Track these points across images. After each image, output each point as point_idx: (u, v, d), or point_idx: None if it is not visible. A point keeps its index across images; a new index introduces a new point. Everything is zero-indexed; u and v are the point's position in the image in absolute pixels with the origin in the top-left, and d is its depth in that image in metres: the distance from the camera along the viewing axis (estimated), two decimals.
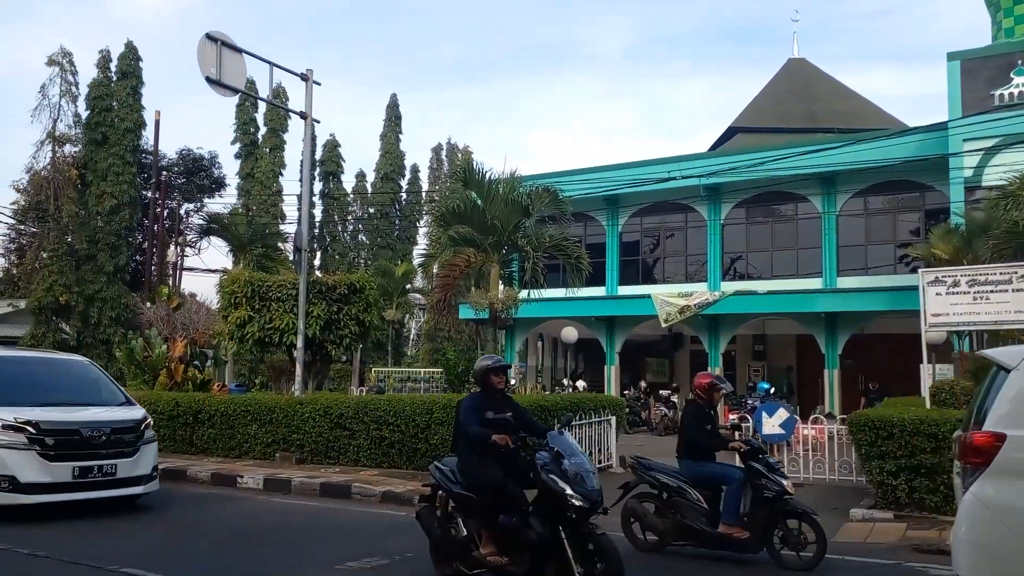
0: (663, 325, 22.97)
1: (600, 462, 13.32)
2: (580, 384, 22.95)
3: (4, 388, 9.35)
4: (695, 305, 22.32)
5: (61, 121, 29.17)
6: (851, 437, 10.30)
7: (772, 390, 19.54)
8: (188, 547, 8.06)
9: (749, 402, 18.48)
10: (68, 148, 29.62)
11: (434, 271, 18.96)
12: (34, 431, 8.72)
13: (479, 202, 15.98)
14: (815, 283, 22.41)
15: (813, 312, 21.85)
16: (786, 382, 24.78)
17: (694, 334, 25.01)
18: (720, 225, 24.03)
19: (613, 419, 13.89)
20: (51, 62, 29.14)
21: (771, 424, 12.18)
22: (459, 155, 40.83)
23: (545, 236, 16.34)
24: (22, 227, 33.22)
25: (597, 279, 23.60)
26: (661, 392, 22.75)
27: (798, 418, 13.32)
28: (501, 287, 16.40)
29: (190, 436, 14.47)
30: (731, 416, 17.91)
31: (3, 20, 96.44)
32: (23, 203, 31.59)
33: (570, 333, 23.13)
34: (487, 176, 16.21)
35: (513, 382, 19.94)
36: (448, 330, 27.67)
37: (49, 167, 29.02)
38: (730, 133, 30.25)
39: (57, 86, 29.10)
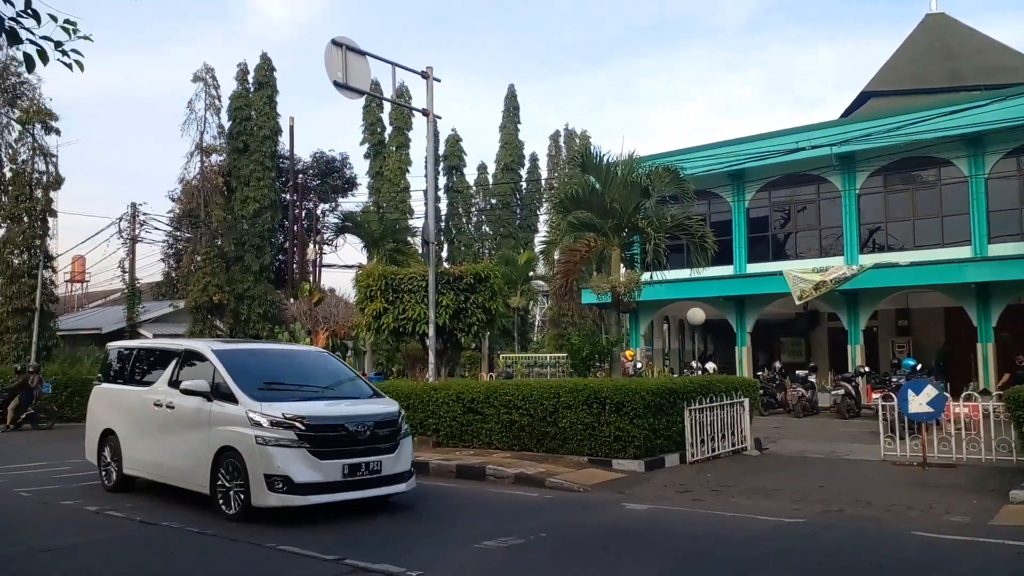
0: (797, 303, 22.09)
1: (733, 444, 13.10)
2: (710, 366, 22.50)
3: (259, 382, 8.85)
4: (831, 280, 21.33)
5: (207, 133, 31.43)
6: (1010, 415, 9.63)
7: (919, 367, 18.41)
8: (336, 522, 8.61)
9: (894, 380, 17.50)
10: (214, 158, 31.85)
11: (555, 257, 19.15)
12: (303, 427, 8.13)
13: (597, 186, 15.99)
14: (963, 252, 20.89)
15: (962, 283, 20.39)
16: (936, 359, 23.26)
17: (831, 311, 23.92)
18: (855, 195, 22.81)
19: (746, 401, 13.59)
20: (196, 78, 31.40)
21: (918, 402, 11.53)
22: (577, 141, 40.74)
23: (667, 216, 16.15)
24: (178, 233, 36.13)
25: (724, 258, 23.02)
26: (797, 372, 21.92)
27: (948, 395, 12.54)
28: (623, 270, 16.36)
29: None
30: (874, 395, 17.06)
31: (156, 44, 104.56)
32: (178, 211, 34.36)
33: (696, 314, 22.69)
34: (605, 159, 16.19)
35: (639, 366, 19.84)
36: (572, 315, 27.76)
37: (198, 176, 31.34)
38: (863, 98, 28.56)
39: (202, 100, 31.35)
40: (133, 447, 10.01)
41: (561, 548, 7.28)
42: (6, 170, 29.43)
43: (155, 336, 32.25)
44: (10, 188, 28.98)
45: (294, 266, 33.24)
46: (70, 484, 11.46)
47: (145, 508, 9.23)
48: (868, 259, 22.06)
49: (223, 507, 8.36)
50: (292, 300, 25.46)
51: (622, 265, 16.70)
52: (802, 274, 21.85)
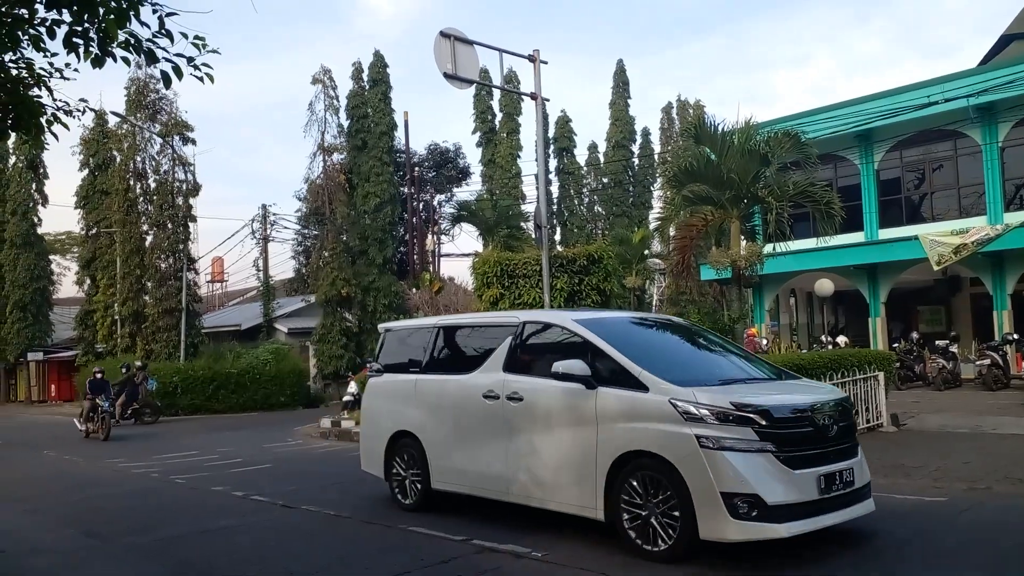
0: (935, 268, 20.67)
1: (868, 421, 12.48)
2: (841, 340, 21.45)
3: (661, 361, 6.51)
4: (973, 243, 19.80)
5: (327, 133, 32.70)
6: None
7: None
8: (464, 505, 8.87)
9: None
10: (336, 156, 33.15)
11: (670, 234, 18.74)
12: (764, 422, 5.62)
13: (713, 157, 15.53)
14: None
15: None
16: None
17: (974, 275, 22.25)
18: (998, 148, 21.05)
19: (881, 375, 12.91)
20: (315, 81, 32.72)
21: None
22: (690, 111, 39.62)
23: (788, 184, 15.47)
24: (306, 231, 37.96)
25: (853, 224, 21.82)
26: (937, 343, 20.55)
27: None
28: (743, 243, 15.84)
29: None
30: None
31: (276, 51, 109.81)
32: (305, 210, 36.10)
33: (825, 286, 21.64)
34: (720, 128, 15.68)
35: (764, 342, 19.20)
36: (690, 293, 27.12)
37: (322, 175, 32.74)
38: (1004, 42, 26.24)
39: (321, 102, 32.62)
40: (447, 454, 7.83)
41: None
42: (151, 181, 31.82)
43: (289, 331, 34.17)
44: (155, 197, 31.35)
45: (414, 257, 34.23)
46: (218, 472, 12.36)
47: (285, 494, 9.83)
48: (1014, 217, 20.33)
49: (638, 541, 5.89)
50: (414, 290, 26.22)
51: (742, 238, 16.18)
52: (940, 237, 20.41)
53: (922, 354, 20.94)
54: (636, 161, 40.27)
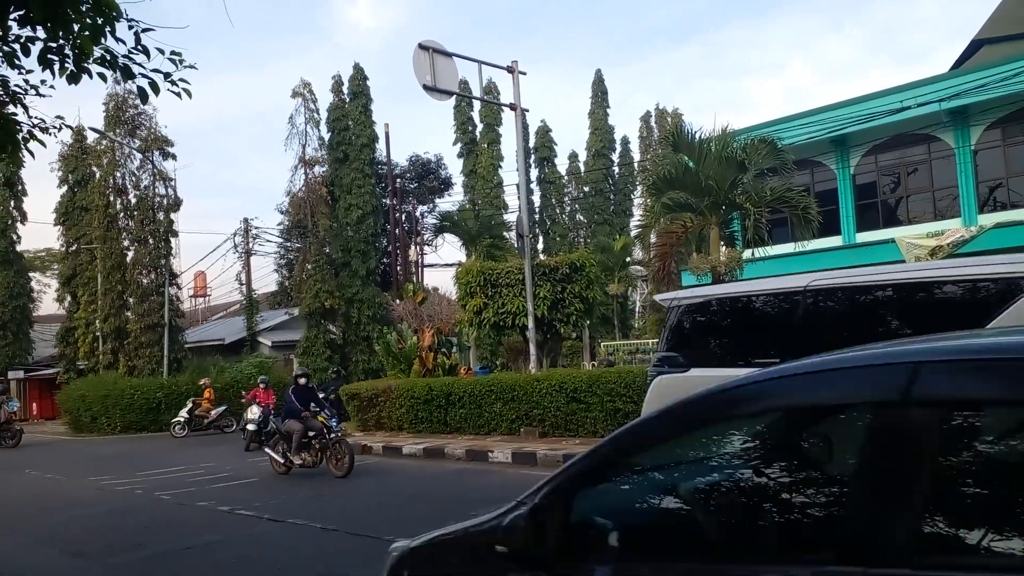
0: None
1: None
2: None
3: None
4: (948, 244, 20.06)
5: (308, 145, 32.66)
6: None
7: None
8: (451, 514, 8.90)
9: None
10: (317, 169, 33.10)
11: (651, 241, 18.90)
12: None
13: (691, 164, 15.70)
14: None
15: None
16: None
17: None
18: (971, 152, 21.38)
19: None
20: (295, 94, 32.69)
21: None
22: (668, 119, 39.93)
23: (766, 190, 15.68)
24: (288, 244, 37.82)
25: (831, 229, 22.07)
26: None
27: None
28: (723, 249, 16.02)
29: (444, 417, 15.80)
30: None
31: (254, 63, 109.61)
32: (287, 223, 35.97)
33: None
34: (697, 137, 15.88)
35: None
36: None
37: (303, 188, 32.68)
38: (975, 47, 26.67)
39: (302, 115, 32.57)
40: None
41: None
42: (131, 196, 31.62)
43: (273, 344, 34.00)
44: (135, 213, 31.14)
45: (398, 268, 34.20)
46: (203, 487, 12.30)
47: (272, 507, 9.81)
48: (988, 219, 20.64)
49: None
50: (398, 301, 26.22)
51: (721, 244, 16.35)
52: (917, 240, 20.68)
53: None
54: (616, 169, 40.51)
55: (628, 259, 31.81)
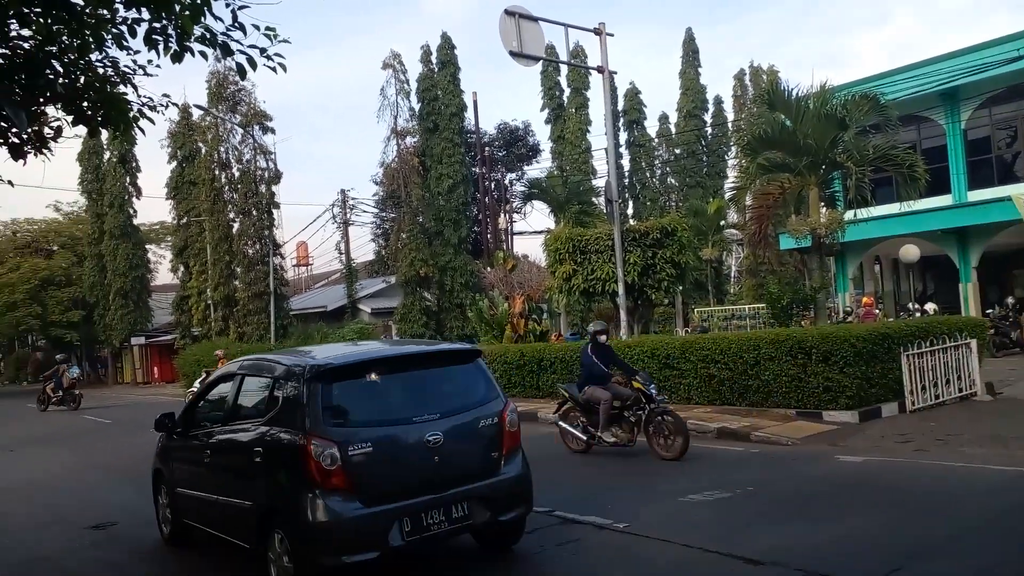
0: None
1: (960, 390, 12.05)
2: (929, 307, 20.59)
3: None
4: None
5: (400, 117, 33.16)
6: None
7: None
8: (546, 477, 9.02)
9: None
10: (408, 140, 33.62)
11: (747, 203, 18.35)
12: None
13: (788, 123, 15.12)
14: None
15: None
16: None
17: None
18: None
19: (973, 343, 12.42)
20: (385, 66, 33.18)
21: None
22: (763, 77, 38.36)
23: (868, 148, 14.92)
24: (383, 214, 38.72)
25: (939, 187, 20.85)
26: None
27: None
28: (823, 210, 15.41)
29: (536, 381, 15.96)
30: None
31: (347, 36, 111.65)
32: (382, 193, 36.78)
33: (910, 251, 20.78)
34: (795, 94, 15.24)
35: (876, 311, 18.65)
36: (769, 263, 26.45)
37: (396, 159, 33.30)
38: None
39: (392, 86, 33.06)
40: None
41: (772, 501, 7.15)
42: (235, 170, 33.03)
43: (372, 311, 35.03)
44: (239, 186, 32.54)
45: (488, 236, 34.51)
46: None
47: None
48: None
49: None
50: (489, 268, 26.50)
51: (822, 205, 15.72)
52: None
53: (1019, 320, 19.92)
54: (709, 130, 39.38)
55: (722, 222, 31.01)
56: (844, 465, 8.47)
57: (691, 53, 38.90)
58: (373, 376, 5.50)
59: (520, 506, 5.81)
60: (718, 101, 39.72)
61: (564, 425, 10.56)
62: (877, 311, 19.08)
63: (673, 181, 39.48)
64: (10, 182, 7.03)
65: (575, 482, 8.67)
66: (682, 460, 9.13)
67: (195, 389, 24.86)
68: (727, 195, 31.97)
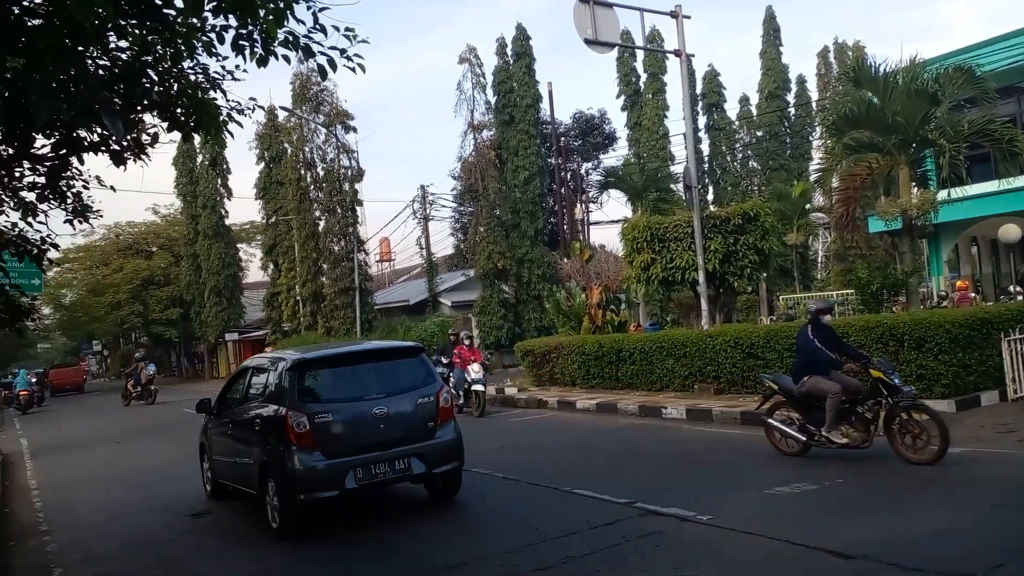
0: None
1: None
2: None
3: None
4: None
5: (476, 110, 33.31)
6: None
7: None
8: (627, 468, 9.03)
9: None
10: (485, 133, 33.81)
11: (833, 185, 17.68)
12: None
13: (875, 100, 14.48)
14: None
15: None
16: None
17: None
18: None
19: None
20: (461, 60, 33.40)
21: None
22: (849, 54, 36.82)
23: (962, 123, 14.14)
24: (461, 208, 39.14)
25: None
26: None
27: None
28: (914, 190, 14.72)
29: (615, 372, 15.89)
30: None
31: (426, 36, 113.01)
32: (459, 187, 37.20)
33: (1011, 231, 19.60)
34: (882, 69, 14.59)
35: (973, 294, 17.80)
36: (858, 247, 25.43)
37: (473, 153, 33.56)
38: None
39: (469, 80, 33.21)
40: None
41: (862, 493, 6.94)
42: (319, 169, 34.00)
43: (452, 304, 35.52)
44: (324, 185, 33.49)
45: (564, 227, 34.42)
46: None
47: None
48: None
49: None
50: (565, 260, 26.45)
51: (913, 185, 15.01)
52: None
53: None
54: (792, 111, 38.13)
55: (808, 206, 29.97)
56: None
57: (772, 32, 37.75)
58: (334, 367, 7.75)
59: (452, 462, 7.61)
60: (801, 80, 38.42)
61: (774, 423, 9.07)
62: (973, 295, 18.14)
63: (755, 164, 38.43)
64: (112, 187, 7.48)
65: (655, 473, 8.62)
66: (764, 452, 8.91)
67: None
68: (812, 177, 30.86)
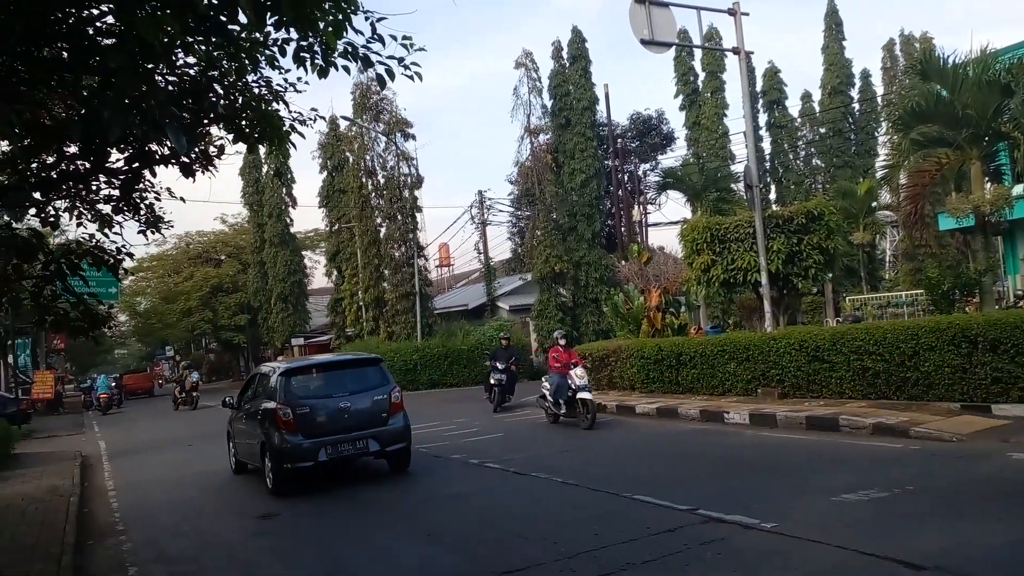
0: None
1: None
2: None
3: None
4: None
5: (532, 115, 33.35)
6: None
7: None
8: (688, 474, 8.91)
9: None
10: (541, 137, 33.84)
11: (900, 182, 17.12)
12: None
13: (944, 93, 14.01)
14: None
15: None
16: None
17: None
18: None
19: None
20: (518, 65, 33.52)
21: None
22: (916, 46, 35.62)
23: None
24: (519, 212, 39.25)
25: None
26: None
27: None
28: (987, 186, 14.16)
29: (675, 377, 15.69)
30: None
31: (483, 41, 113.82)
32: (516, 192, 37.31)
33: None
34: (951, 61, 14.09)
35: (1021, 293, 17.06)
36: (927, 245, 24.49)
37: (530, 157, 33.63)
38: None
39: (525, 85, 33.30)
40: None
41: (935, 501, 6.69)
42: (379, 177, 34.55)
43: (510, 308, 35.64)
44: (384, 192, 34.01)
45: (622, 229, 34.18)
46: (455, 441, 13.33)
47: (517, 462, 10.42)
48: None
49: None
50: (623, 262, 26.26)
51: (985, 180, 14.45)
52: None
53: None
54: (856, 106, 37.07)
55: (874, 204, 29.05)
56: (1018, 463, 7.78)
57: (834, 26, 36.81)
58: (312, 373, 10.57)
59: (401, 443, 10.27)
60: (865, 75, 37.35)
61: None
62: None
63: (818, 162, 37.51)
64: (182, 198, 7.74)
65: (717, 479, 8.48)
66: (831, 458, 8.68)
67: None
68: (878, 174, 29.93)
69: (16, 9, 4.46)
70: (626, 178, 36.32)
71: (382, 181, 34.18)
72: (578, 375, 13.61)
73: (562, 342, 14.86)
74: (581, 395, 13.44)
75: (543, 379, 14.64)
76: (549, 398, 14.23)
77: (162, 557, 7.50)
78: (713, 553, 5.79)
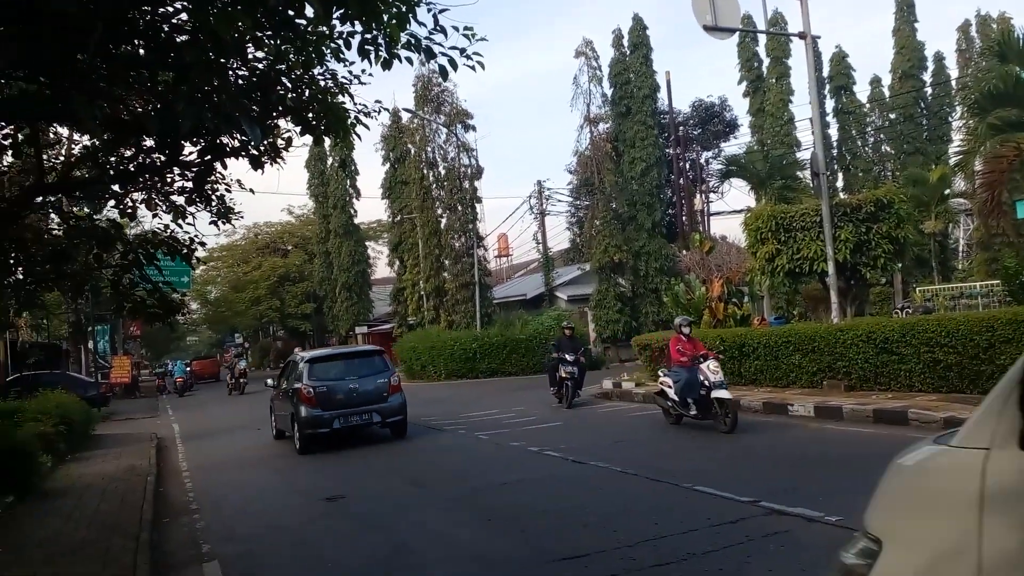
0: None
1: None
2: None
3: None
4: None
5: (592, 104, 33.10)
6: None
7: None
8: (753, 467, 8.81)
9: None
10: (601, 126, 33.61)
11: (975, 168, 16.47)
12: None
13: (1023, 75, 13.40)
14: None
15: None
16: None
17: None
18: None
19: None
20: (578, 54, 33.32)
21: None
22: (993, 26, 34.04)
23: None
24: (578, 202, 39.12)
25: None
26: None
27: None
28: None
29: (738, 368, 15.44)
30: None
31: (542, 27, 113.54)
32: (575, 181, 37.18)
33: None
34: None
35: None
36: (1004, 234, 23.42)
37: (589, 146, 33.45)
38: None
39: (585, 74, 33.06)
40: None
41: None
42: (440, 168, 34.89)
43: (568, 298, 35.61)
44: (445, 183, 34.34)
45: (683, 218, 33.75)
46: (514, 429, 13.43)
47: (575, 450, 10.45)
48: None
49: None
50: (684, 252, 25.96)
51: None
52: None
53: None
54: (929, 91, 35.69)
55: (947, 191, 27.96)
56: None
57: (906, 7, 35.49)
58: (330, 361, 13.65)
59: (398, 416, 13.15)
60: (939, 58, 35.93)
61: None
62: None
63: (888, 149, 36.29)
64: (251, 190, 7.99)
65: (779, 472, 8.35)
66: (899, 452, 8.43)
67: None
68: (952, 161, 28.83)
69: (96, 9, 4.66)
70: (688, 166, 35.82)
71: (443, 172, 34.48)
72: (711, 369, 11.32)
73: (686, 330, 12.58)
74: (716, 393, 11.14)
75: (660, 373, 12.84)
76: (674, 396, 12.02)
77: (233, 536, 7.78)
78: (775, 545, 5.72)
